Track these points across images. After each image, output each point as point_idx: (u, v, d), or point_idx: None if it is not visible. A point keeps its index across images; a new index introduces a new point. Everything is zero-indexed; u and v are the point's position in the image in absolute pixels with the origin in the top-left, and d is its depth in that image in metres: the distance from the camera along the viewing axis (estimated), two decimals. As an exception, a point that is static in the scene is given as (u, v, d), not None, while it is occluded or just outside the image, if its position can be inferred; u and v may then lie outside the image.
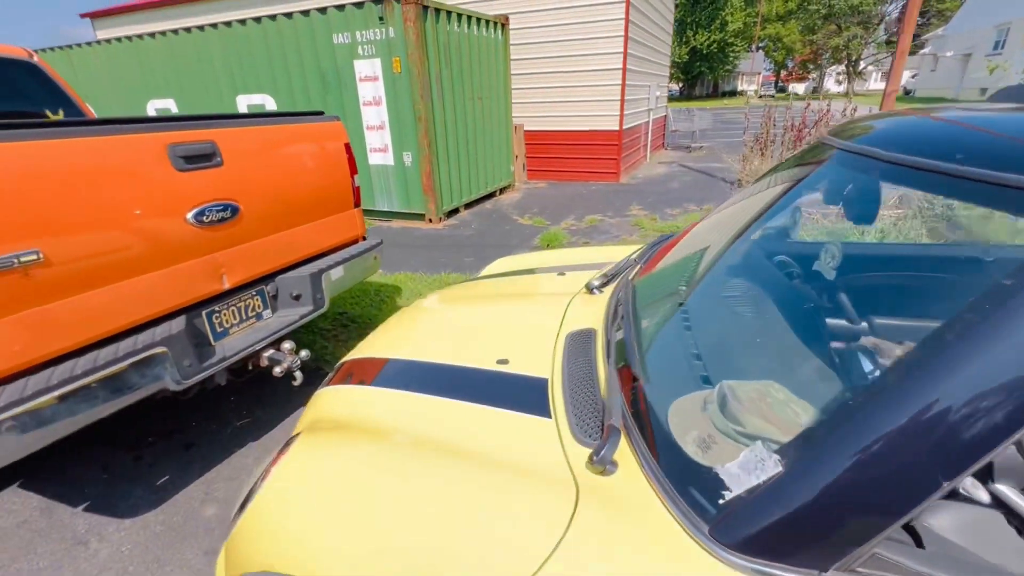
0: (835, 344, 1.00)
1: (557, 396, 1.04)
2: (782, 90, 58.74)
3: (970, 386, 0.55)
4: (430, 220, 6.21)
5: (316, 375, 2.78)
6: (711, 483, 0.71)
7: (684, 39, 41.00)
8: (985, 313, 0.57)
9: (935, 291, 1.19)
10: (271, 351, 2.20)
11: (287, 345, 2.13)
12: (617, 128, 8.23)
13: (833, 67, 50.48)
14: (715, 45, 42.82)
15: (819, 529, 0.61)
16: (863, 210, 1.20)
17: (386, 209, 6.41)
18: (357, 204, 2.77)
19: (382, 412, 1.15)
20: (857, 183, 1.22)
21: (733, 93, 57.10)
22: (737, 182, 5.66)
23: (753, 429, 0.73)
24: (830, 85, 54.13)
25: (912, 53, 44.49)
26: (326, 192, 2.55)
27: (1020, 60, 18.79)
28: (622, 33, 7.57)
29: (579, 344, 1.20)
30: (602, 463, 0.81)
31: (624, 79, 7.92)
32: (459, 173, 6.59)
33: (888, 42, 46.06)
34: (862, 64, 47.42)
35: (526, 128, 8.56)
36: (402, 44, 5.41)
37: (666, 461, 0.78)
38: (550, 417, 0.99)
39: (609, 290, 1.47)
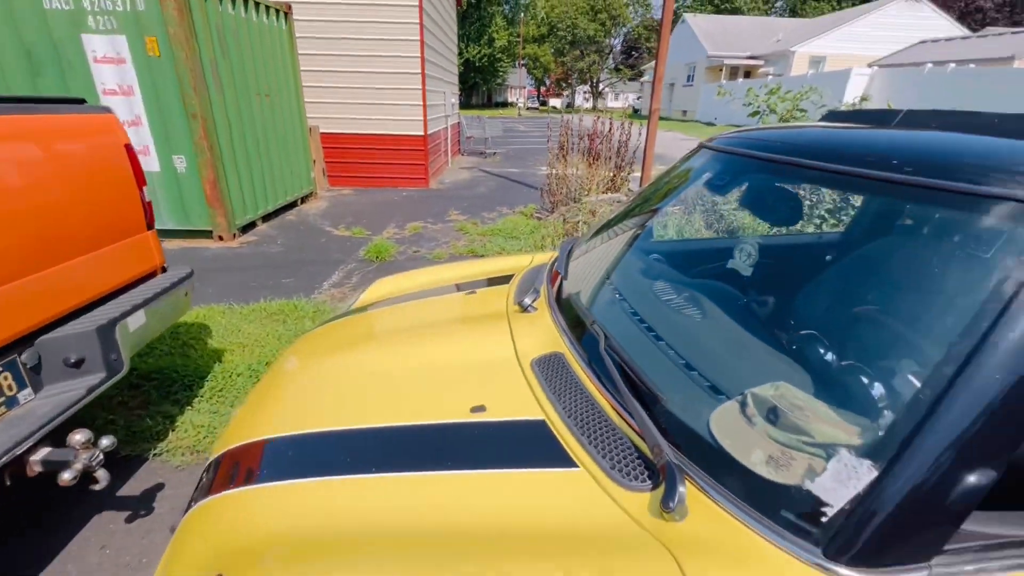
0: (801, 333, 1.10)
1: (568, 438, 0.91)
2: (544, 103, 67.13)
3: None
4: (220, 237, 5.15)
5: (124, 467, 2.02)
6: (808, 503, 0.68)
7: (459, 51, 43.34)
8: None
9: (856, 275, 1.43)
10: (45, 451, 1.48)
11: (78, 437, 1.45)
12: (422, 133, 8.15)
13: (581, 86, 59.82)
14: (485, 59, 46.33)
15: (927, 519, 0.63)
16: (773, 210, 1.38)
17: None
18: (151, 225, 2.10)
19: (331, 514, 0.84)
20: (747, 183, 1.39)
21: (504, 104, 62.70)
22: (546, 187, 6.15)
23: (823, 437, 0.73)
24: (580, 101, 64.14)
25: (633, 80, 55.63)
26: (103, 211, 1.85)
27: (705, 90, 25.11)
28: (418, 37, 7.50)
29: (554, 371, 1.08)
30: (681, 511, 0.72)
31: (424, 84, 7.88)
32: (252, 181, 5.62)
33: (616, 69, 56.75)
34: (601, 86, 57.26)
35: (322, 130, 7.82)
36: (159, 20, 4.32)
37: (744, 490, 0.73)
38: (577, 466, 0.85)
39: (542, 305, 1.38)
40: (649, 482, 0.79)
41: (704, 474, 0.77)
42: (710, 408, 0.86)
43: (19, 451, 1.39)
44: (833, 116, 1.43)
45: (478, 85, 51.54)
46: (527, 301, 1.38)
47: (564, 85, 62.78)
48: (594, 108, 55.47)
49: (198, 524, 0.92)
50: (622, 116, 5.95)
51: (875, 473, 0.66)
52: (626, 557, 0.68)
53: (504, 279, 1.71)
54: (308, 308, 3.53)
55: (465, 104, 52.11)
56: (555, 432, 0.93)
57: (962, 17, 29.44)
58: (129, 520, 1.82)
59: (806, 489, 0.69)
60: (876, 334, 0.91)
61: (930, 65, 14.11)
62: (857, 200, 1.76)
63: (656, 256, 1.56)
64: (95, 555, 1.69)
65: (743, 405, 0.84)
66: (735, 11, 38.86)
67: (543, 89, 70.07)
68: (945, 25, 23.35)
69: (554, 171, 5.73)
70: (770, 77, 21.67)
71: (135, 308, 1.84)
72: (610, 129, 5.53)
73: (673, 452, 0.79)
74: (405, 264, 4.70)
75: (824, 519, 0.66)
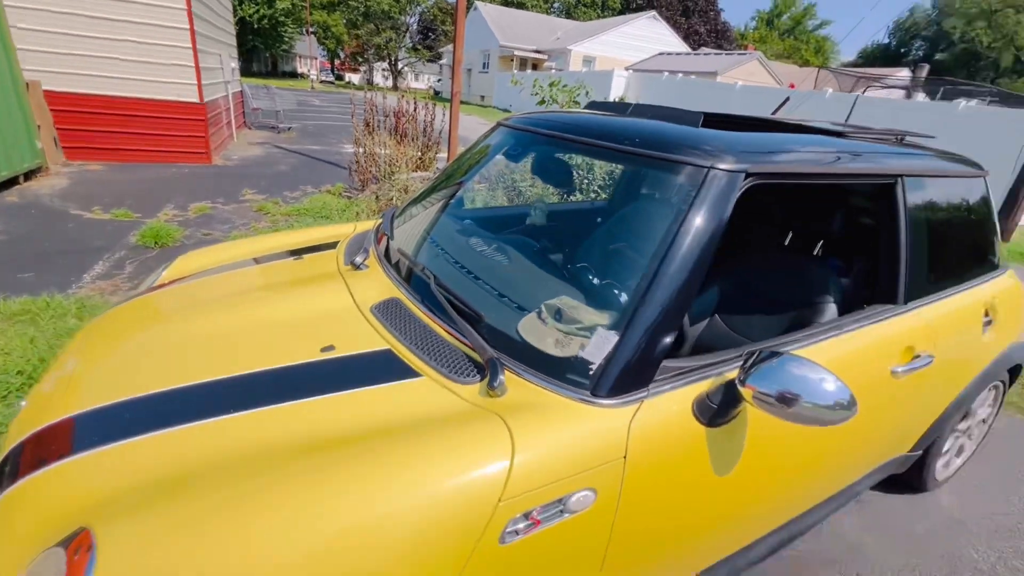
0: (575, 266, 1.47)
1: (411, 358, 1.10)
2: (339, 78, 62.60)
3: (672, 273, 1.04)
4: None
5: None
6: (580, 365, 1.01)
7: (232, 9, 37.41)
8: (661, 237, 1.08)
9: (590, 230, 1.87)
10: None
11: None
12: (198, 100, 7.04)
13: (379, 63, 57.43)
14: (265, 20, 41.04)
15: (644, 363, 1.02)
16: (553, 175, 1.74)
17: None
18: None
19: (183, 458, 0.89)
20: (533, 153, 1.74)
21: (294, 74, 56.68)
22: (354, 166, 6.01)
23: (588, 323, 1.07)
24: (379, 79, 61.64)
25: (432, 61, 55.68)
26: None
27: (499, 78, 26.75)
28: (181, -15, 6.39)
29: (393, 312, 1.25)
30: (501, 389, 0.98)
31: (194, 40, 6.78)
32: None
33: (414, 49, 55.92)
34: (400, 64, 55.95)
35: (48, 87, 6.14)
36: None
37: (543, 366, 1.03)
38: (421, 376, 1.05)
39: (373, 262, 1.52)
40: (478, 376, 1.04)
41: (515, 362, 1.05)
42: (517, 318, 1.15)
43: None
44: (592, 106, 1.87)
45: (258, 50, 45.47)
46: (359, 260, 1.51)
47: (360, 60, 59.36)
48: (395, 87, 54.09)
49: (18, 506, 0.86)
50: (425, 97, 6.10)
51: (616, 340, 1.02)
52: (467, 425, 0.92)
53: (330, 245, 1.78)
54: (68, 305, 2.91)
55: (245, 71, 45.49)
56: (400, 355, 1.11)
57: (686, 36, 37.14)
58: None
59: (579, 357, 1.02)
60: (618, 262, 1.31)
61: (666, 73, 17.67)
62: (616, 174, 2.31)
63: (468, 219, 1.83)
64: None
65: (539, 313, 1.14)
66: (520, 5, 41.91)
67: (337, 62, 65.32)
68: (676, 41, 29.22)
69: (362, 149, 5.63)
70: (553, 71, 24.24)
71: None
72: (415, 109, 5.66)
73: (493, 352, 1.06)
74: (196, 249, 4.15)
75: (590, 372, 1.00)
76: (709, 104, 14.31)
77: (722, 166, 1.12)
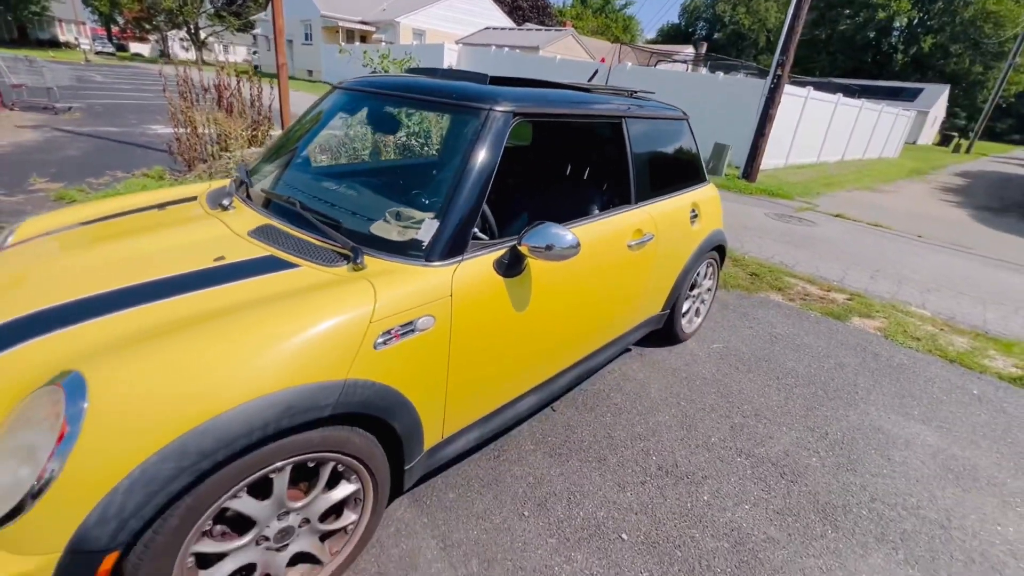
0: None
1: (292, 257, 1.48)
2: (121, 48, 52.16)
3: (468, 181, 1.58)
4: None
5: None
6: (415, 244, 1.50)
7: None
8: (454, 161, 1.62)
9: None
10: None
11: None
12: (-63, 73, 5.73)
13: (173, 31, 49.07)
14: (2, -27, 32.44)
15: (457, 239, 1.54)
16: (385, 125, 2.16)
17: None
18: None
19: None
20: (367, 108, 2.15)
21: (56, 44, 45.80)
22: (175, 144, 5.59)
23: (419, 219, 1.55)
24: (178, 51, 52.83)
25: (242, 31, 49.29)
26: None
27: (325, 50, 25.15)
28: None
29: (268, 233, 1.59)
30: (363, 265, 1.43)
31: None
32: None
33: (218, 15, 48.65)
34: (203, 34, 48.55)
35: None
36: None
37: (392, 248, 1.50)
38: (300, 266, 1.44)
39: (238, 203, 1.81)
40: (344, 262, 1.47)
41: (371, 250, 1.50)
42: (366, 226, 1.59)
43: None
44: (412, 71, 2.32)
45: (-4, 12, 35.92)
46: (226, 202, 1.78)
47: (148, 27, 49.87)
48: (200, 60, 46.94)
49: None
50: (247, 72, 5.82)
51: (437, 224, 1.52)
52: (343, 286, 1.34)
53: (187, 199, 1.99)
54: None
55: (-22, 38, 35.34)
56: (281, 257, 1.48)
57: (511, 12, 38.66)
58: None
59: (415, 239, 1.51)
60: (433, 179, 1.81)
61: (493, 47, 18.53)
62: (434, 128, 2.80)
63: (318, 169, 2.17)
64: None
65: (384, 218, 1.60)
66: (339, -28, 39.22)
67: (115, 29, 54.20)
68: (500, 16, 30.34)
69: (185, 130, 5.28)
70: (383, 44, 23.54)
71: None
72: (239, 84, 5.45)
73: (352, 243, 1.49)
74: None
75: (423, 247, 1.49)
76: (532, 75, 15.66)
77: (498, 108, 1.67)
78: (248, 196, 1.87)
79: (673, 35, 64.67)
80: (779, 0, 54.76)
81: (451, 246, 1.53)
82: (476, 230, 1.60)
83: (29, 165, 5.84)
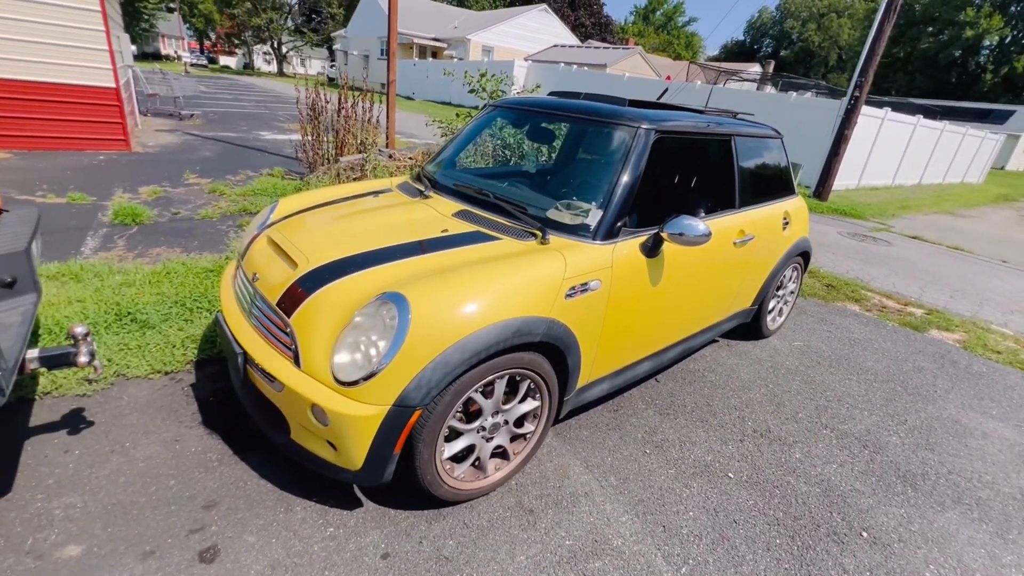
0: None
1: (494, 232, 2.00)
2: (212, 60, 57.02)
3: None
4: None
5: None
6: (584, 227, 1.98)
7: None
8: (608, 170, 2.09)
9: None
10: (34, 351, 1.65)
11: (79, 330, 1.68)
12: (113, 84, 6.88)
13: (259, 46, 53.22)
14: (121, -6, 36.48)
15: (613, 226, 2.01)
16: (543, 137, 2.70)
17: None
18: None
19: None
20: (529, 123, 2.68)
21: (158, 56, 50.83)
22: (300, 149, 6.43)
23: (585, 209, 2.04)
24: (260, 63, 57.24)
25: (319, 46, 52.58)
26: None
27: (401, 65, 26.66)
28: (94, -34, 6.24)
29: (467, 216, 2.13)
30: (548, 241, 1.93)
31: (107, 22, 6.64)
32: None
33: (299, 32, 52.31)
34: (285, 49, 52.42)
35: (-57, 70, 5.75)
36: None
37: (566, 229, 1.99)
38: (502, 239, 1.96)
39: (433, 194, 2.36)
40: (532, 238, 1.96)
41: (550, 230, 1.99)
42: (543, 211, 2.09)
43: (26, 351, 1.58)
44: (553, 93, 2.84)
45: (115, 28, 40.18)
46: (426, 192, 2.35)
47: (237, 42, 54.32)
48: (280, 72, 50.65)
49: (334, 296, 1.64)
50: (318, 83, 6.55)
51: (601, 213, 2.00)
52: (540, 253, 1.84)
53: (385, 190, 2.58)
54: (99, 267, 3.29)
55: (97, 51, 39.99)
56: (487, 232, 2.00)
57: (574, 28, 39.52)
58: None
59: (584, 223, 1.99)
60: (593, 181, 2.29)
61: (562, 64, 19.21)
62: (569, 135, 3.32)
63: (481, 171, 2.71)
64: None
65: (556, 207, 2.10)
66: (412, -9, 41.44)
67: (207, 44, 59.46)
68: (565, 33, 31.12)
69: (311, 137, 6.14)
70: (455, 60, 24.79)
71: (34, 233, 1.91)
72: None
73: (539, 223, 1.99)
74: (172, 226, 4.48)
75: (591, 229, 1.97)
76: (602, 91, 16.19)
77: (644, 126, 2.15)
78: (435, 188, 2.42)
79: (737, 52, 63.65)
80: (854, 17, 52.86)
81: (610, 230, 2.00)
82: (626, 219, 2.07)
83: (179, 164, 6.87)
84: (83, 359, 1.68)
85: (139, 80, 11.36)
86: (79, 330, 1.69)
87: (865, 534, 1.93)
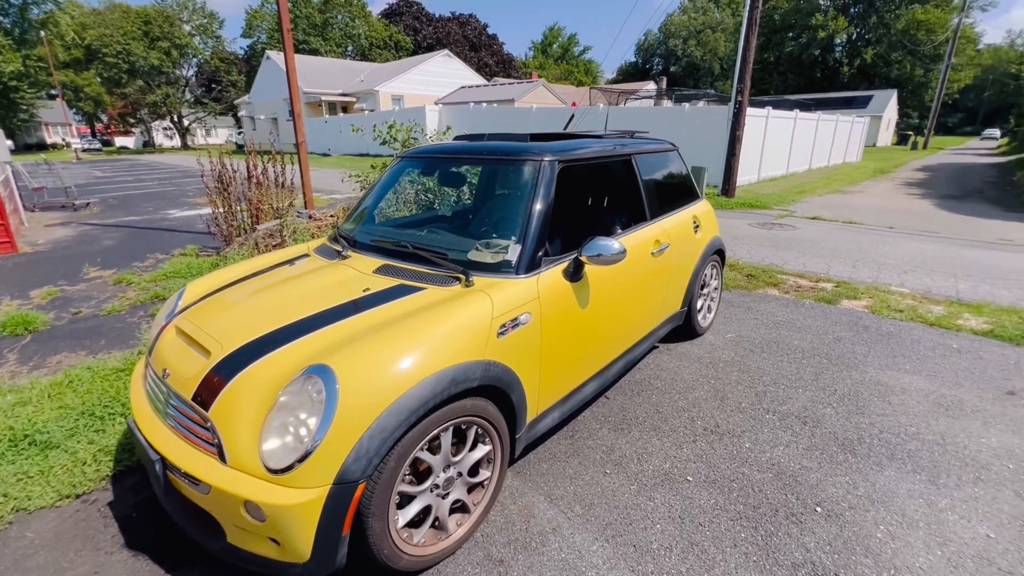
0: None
1: (415, 283, 1.97)
2: (106, 143, 53.90)
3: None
4: None
5: None
6: (505, 264, 2.01)
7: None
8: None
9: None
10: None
11: None
12: (-12, 185, 6.31)
13: (157, 122, 51.00)
14: (-9, 88, 34.04)
15: (534, 257, 2.05)
16: (454, 181, 2.73)
17: None
18: None
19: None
20: (438, 169, 2.72)
21: (43, 146, 47.38)
22: (212, 223, 6.16)
23: (503, 246, 2.07)
24: (162, 139, 54.78)
25: (223, 114, 51.31)
26: None
27: (311, 124, 26.44)
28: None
29: (389, 270, 2.10)
30: (472, 283, 1.93)
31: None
32: None
33: (199, 103, 50.71)
34: (187, 121, 50.59)
35: None
36: None
37: (488, 268, 2.00)
38: (425, 289, 1.94)
39: (351, 253, 2.32)
40: (456, 282, 1.97)
41: (472, 271, 2.00)
42: (464, 253, 2.11)
43: None
44: (459, 137, 2.91)
45: (-13, 122, 37.25)
46: (344, 252, 2.30)
47: (132, 121, 51.77)
48: (185, 146, 48.65)
49: (256, 377, 1.54)
50: (227, 152, 6.36)
51: (519, 247, 2.04)
52: (466, 296, 1.84)
53: (302, 256, 2.50)
54: (-18, 392, 2.92)
55: (-31, 149, 36.66)
56: (410, 284, 1.98)
57: (479, 68, 41.07)
58: None
59: (505, 259, 2.02)
60: (507, 218, 2.34)
61: (472, 104, 19.83)
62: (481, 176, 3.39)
63: (399, 220, 2.70)
64: None
65: (476, 247, 2.12)
66: (313, 52, 41.63)
67: (99, 126, 56.26)
68: (470, 74, 32.26)
69: (222, 209, 5.90)
70: (366, 112, 24.94)
71: None
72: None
73: (461, 268, 2.00)
74: (73, 328, 4.09)
75: (512, 264, 2.01)
76: (513, 127, 16.66)
77: (547, 158, 2.24)
78: (353, 246, 2.38)
79: (632, 72, 68.49)
80: (726, 31, 58.67)
81: (531, 262, 2.04)
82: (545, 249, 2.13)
83: (75, 258, 6.34)
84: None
85: (20, 175, 10.51)
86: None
87: (819, 508, 2.02)
